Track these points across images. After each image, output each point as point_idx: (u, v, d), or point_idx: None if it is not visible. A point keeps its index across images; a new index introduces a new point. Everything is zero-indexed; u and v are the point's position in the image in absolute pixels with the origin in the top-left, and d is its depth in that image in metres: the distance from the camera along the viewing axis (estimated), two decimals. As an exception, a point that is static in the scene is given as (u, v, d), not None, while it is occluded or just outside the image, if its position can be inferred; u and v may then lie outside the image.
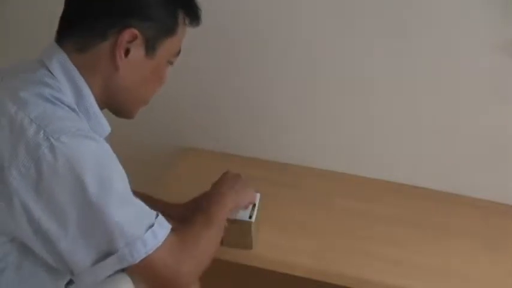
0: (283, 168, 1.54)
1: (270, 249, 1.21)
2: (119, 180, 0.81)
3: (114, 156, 0.83)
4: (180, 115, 1.61)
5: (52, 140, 0.75)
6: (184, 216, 1.17)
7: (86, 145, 0.78)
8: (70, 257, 0.80)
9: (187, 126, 1.64)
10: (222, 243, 1.08)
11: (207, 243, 0.96)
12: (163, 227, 0.86)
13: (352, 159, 1.50)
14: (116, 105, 0.93)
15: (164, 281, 0.87)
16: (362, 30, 1.31)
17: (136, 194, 1.18)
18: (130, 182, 0.86)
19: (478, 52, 1.24)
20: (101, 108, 0.92)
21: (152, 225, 0.84)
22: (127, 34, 0.85)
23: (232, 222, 1.18)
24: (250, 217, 1.19)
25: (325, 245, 1.23)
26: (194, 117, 1.61)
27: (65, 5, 0.89)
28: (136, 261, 0.81)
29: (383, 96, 1.38)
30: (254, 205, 1.23)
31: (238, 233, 1.18)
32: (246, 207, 1.20)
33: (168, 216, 1.17)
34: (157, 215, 0.87)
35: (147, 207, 0.87)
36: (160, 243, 0.83)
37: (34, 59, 0.89)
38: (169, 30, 0.90)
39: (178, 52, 0.97)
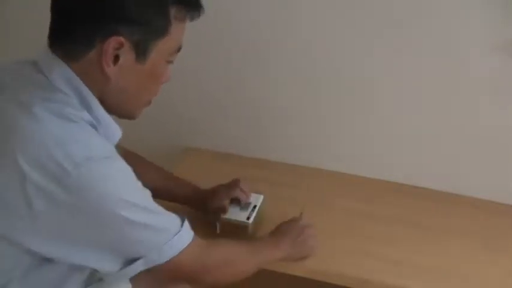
0: (283, 168, 1.54)
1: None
2: (141, 193, 0.84)
3: (130, 169, 0.84)
4: (180, 115, 1.61)
5: (79, 165, 0.75)
6: (189, 197, 1.23)
7: (109, 167, 0.79)
8: (98, 266, 0.84)
9: (187, 126, 1.64)
10: None
11: (233, 258, 1.02)
12: (189, 232, 0.90)
13: (352, 159, 1.50)
14: (115, 110, 0.91)
15: (191, 275, 0.94)
16: (362, 30, 1.31)
17: (149, 165, 1.24)
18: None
19: (478, 52, 1.24)
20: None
21: (179, 232, 0.87)
22: (112, 42, 0.80)
23: (230, 222, 1.19)
24: (248, 218, 1.19)
25: (325, 245, 1.23)
26: (194, 117, 1.61)
27: (51, 13, 0.85)
28: (163, 262, 0.86)
29: (383, 97, 1.38)
30: (255, 206, 1.23)
31: (235, 234, 1.18)
32: (243, 206, 1.21)
33: (173, 193, 1.22)
34: (183, 220, 0.90)
35: (172, 213, 0.90)
36: (186, 245, 0.88)
37: (34, 68, 0.85)
38: (160, 31, 0.84)
39: (179, 49, 0.91)
